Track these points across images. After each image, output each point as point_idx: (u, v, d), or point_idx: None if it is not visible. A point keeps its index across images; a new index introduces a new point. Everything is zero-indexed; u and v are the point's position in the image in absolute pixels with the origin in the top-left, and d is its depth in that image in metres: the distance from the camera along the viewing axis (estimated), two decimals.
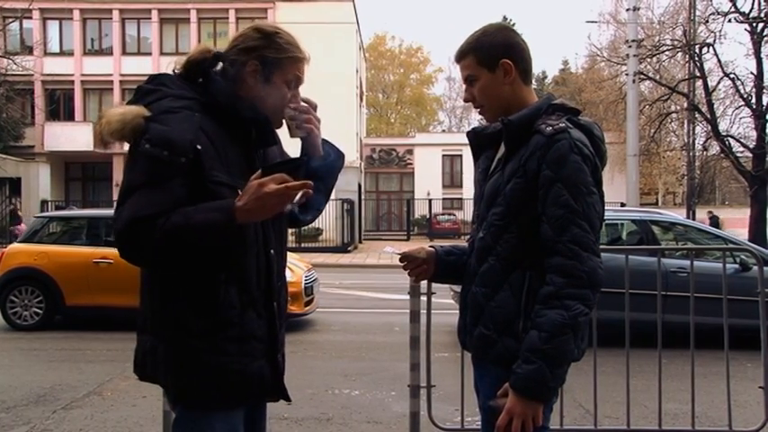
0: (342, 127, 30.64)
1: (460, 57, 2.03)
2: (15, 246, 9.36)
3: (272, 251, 1.95)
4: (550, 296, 1.81)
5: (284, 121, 2.00)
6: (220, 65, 1.94)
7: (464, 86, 2.08)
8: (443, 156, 38.31)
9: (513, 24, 50.54)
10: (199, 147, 1.76)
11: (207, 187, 1.77)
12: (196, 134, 1.77)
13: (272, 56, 1.89)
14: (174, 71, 1.94)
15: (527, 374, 1.79)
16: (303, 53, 1.96)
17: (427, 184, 36.96)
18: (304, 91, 2.04)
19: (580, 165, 1.83)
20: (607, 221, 8.53)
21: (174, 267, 1.80)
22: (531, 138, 1.89)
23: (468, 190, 35.09)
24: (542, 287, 1.83)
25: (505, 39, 2.00)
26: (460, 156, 36.84)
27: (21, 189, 23.91)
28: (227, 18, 31.37)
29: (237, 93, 1.90)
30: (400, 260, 2.17)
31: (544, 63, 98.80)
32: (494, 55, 1.97)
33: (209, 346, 1.82)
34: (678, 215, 10.88)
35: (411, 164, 38.84)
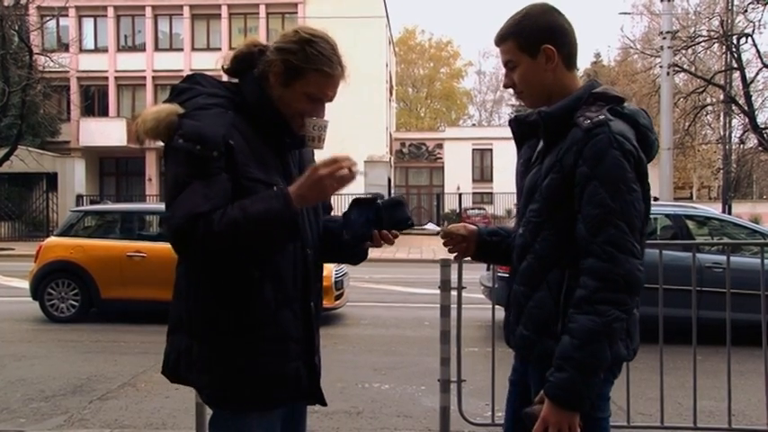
0: (371, 121, 30.75)
1: (501, 40, 1.93)
2: (52, 239, 9.54)
3: (308, 250, 1.92)
4: (583, 300, 1.72)
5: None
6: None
7: (504, 71, 1.98)
8: (473, 150, 38.11)
9: None
10: (231, 142, 1.75)
11: (242, 184, 1.76)
12: (228, 130, 1.76)
13: (295, 63, 1.84)
14: (222, 66, 1.95)
15: (559, 383, 1.72)
16: (333, 68, 1.87)
17: (457, 178, 36.80)
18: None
19: (619, 161, 1.72)
20: None
21: (228, 261, 1.77)
22: (569, 130, 1.80)
23: (497, 184, 34.86)
24: (581, 289, 1.74)
25: (548, 22, 1.88)
26: (490, 150, 36.63)
27: (57, 184, 24.42)
28: (258, 13, 31.58)
29: (265, 92, 1.87)
30: (441, 236, 2.13)
31: None
32: (536, 40, 1.86)
33: (243, 345, 1.81)
34: (713, 209, 10.67)
35: (441, 158, 38.70)
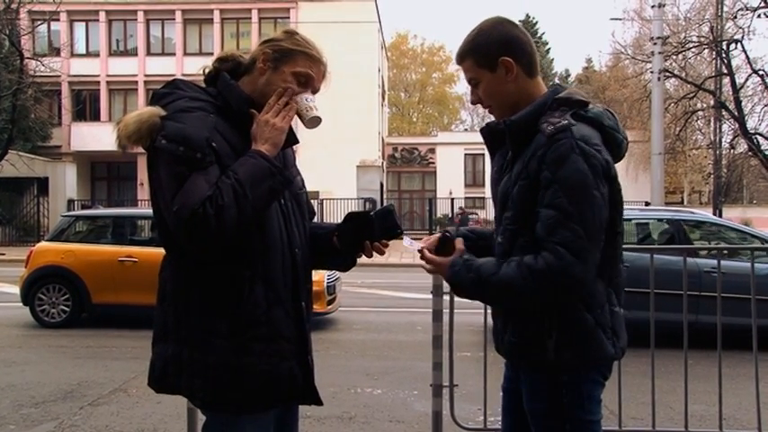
0: (364, 126, 30.76)
1: (460, 60, 1.98)
2: (43, 244, 9.50)
3: (297, 250, 1.94)
4: (526, 266, 1.77)
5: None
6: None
7: (469, 89, 2.02)
8: (465, 155, 38.15)
9: (536, 23, 49.93)
10: (214, 144, 1.77)
11: None
12: (211, 133, 1.79)
13: (285, 46, 1.93)
14: (203, 71, 1.98)
15: (462, 276, 1.87)
16: (319, 54, 1.97)
17: (449, 183, 36.81)
18: (326, 89, 2.02)
19: (580, 166, 1.74)
20: (638, 220, 8.45)
21: (238, 235, 1.77)
22: (534, 137, 1.83)
23: (490, 189, 34.90)
24: (533, 259, 1.77)
25: (501, 34, 1.91)
26: (483, 155, 36.62)
27: (48, 188, 24.31)
28: (250, 18, 31.58)
29: (247, 92, 1.91)
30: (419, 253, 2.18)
31: (567, 61, 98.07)
32: (492, 54, 1.89)
33: (236, 346, 1.80)
34: (709, 214, 10.73)
35: (433, 163, 38.73)
